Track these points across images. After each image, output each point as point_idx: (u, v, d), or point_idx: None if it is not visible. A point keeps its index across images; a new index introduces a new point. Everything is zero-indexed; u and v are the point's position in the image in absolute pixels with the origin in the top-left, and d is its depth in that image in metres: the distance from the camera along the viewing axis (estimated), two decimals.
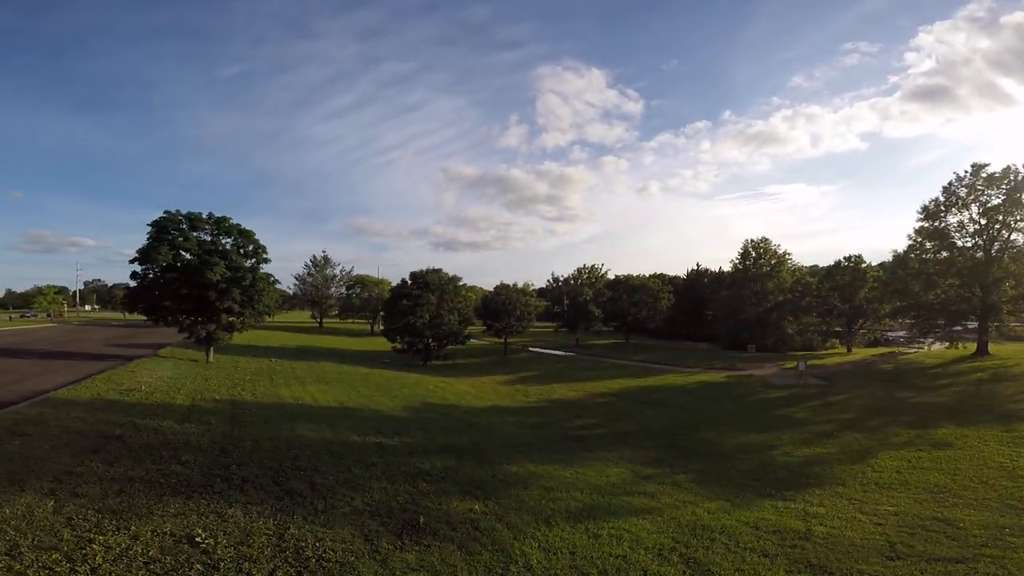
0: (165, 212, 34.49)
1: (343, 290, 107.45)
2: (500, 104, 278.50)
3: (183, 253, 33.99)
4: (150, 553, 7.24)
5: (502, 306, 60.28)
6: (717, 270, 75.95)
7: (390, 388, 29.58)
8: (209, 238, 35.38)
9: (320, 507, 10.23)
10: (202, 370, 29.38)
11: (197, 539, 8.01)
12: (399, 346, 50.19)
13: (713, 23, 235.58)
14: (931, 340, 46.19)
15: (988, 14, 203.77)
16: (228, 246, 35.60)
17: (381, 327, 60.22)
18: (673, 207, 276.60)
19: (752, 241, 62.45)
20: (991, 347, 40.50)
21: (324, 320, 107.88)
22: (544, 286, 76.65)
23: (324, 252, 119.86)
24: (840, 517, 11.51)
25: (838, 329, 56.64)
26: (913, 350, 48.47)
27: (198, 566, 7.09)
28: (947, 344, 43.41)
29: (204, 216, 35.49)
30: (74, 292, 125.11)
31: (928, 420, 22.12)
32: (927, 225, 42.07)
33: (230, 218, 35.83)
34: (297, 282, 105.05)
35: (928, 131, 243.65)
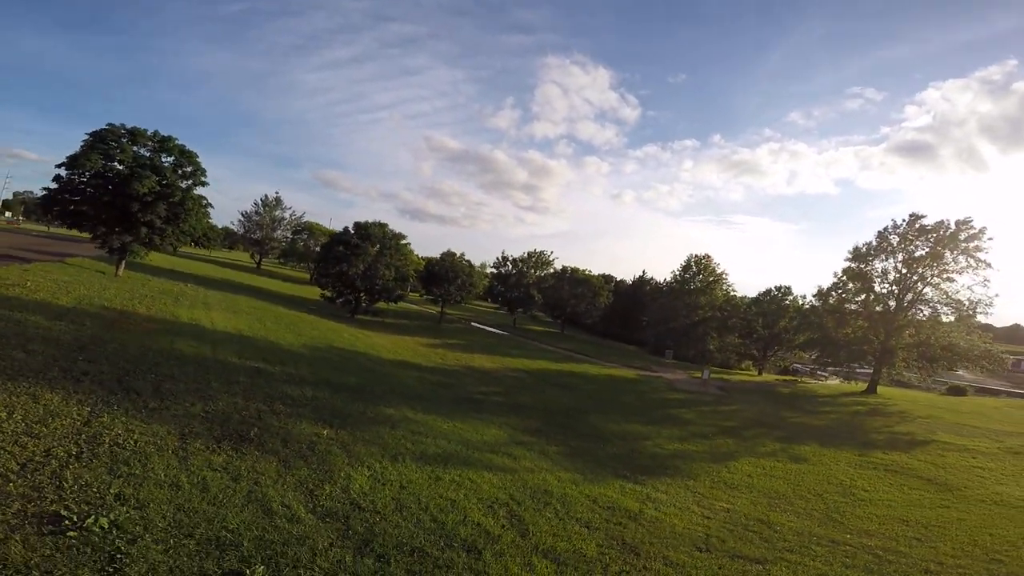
0: (108, 124, 32.38)
1: (289, 234, 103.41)
2: (499, 84, 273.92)
3: (116, 164, 31.97)
4: None
5: (444, 272, 59.90)
6: (662, 281, 78.60)
7: (299, 327, 28.94)
8: (147, 154, 33.45)
9: (152, 406, 9.96)
10: (104, 281, 27.75)
11: None
12: (327, 293, 48.97)
13: (734, 46, 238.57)
14: (830, 374, 49.48)
15: (1004, 78, 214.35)
16: (167, 164, 33.81)
17: None
18: (643, 219, 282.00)
19: (695, 256, 64.85)
20: (880, 389, 43.79)
21: (264, 263, 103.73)
22: (493, 264, 76.69)
23: (277, 193, 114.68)
24: (675, 506, 12.19)
25: (754, 352, 59.77)
26: (813, 381, 51.88)
27: None
28: (843, 380, 46.68)
29: (148, 133, 33.48)
30: (2, 202, 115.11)
31: (797, 437, 23.79)
32: (853, 266, 44.72)
33: (175, 138, 33.91)
34: (243, 219, 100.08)
35: (898, 185, 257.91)
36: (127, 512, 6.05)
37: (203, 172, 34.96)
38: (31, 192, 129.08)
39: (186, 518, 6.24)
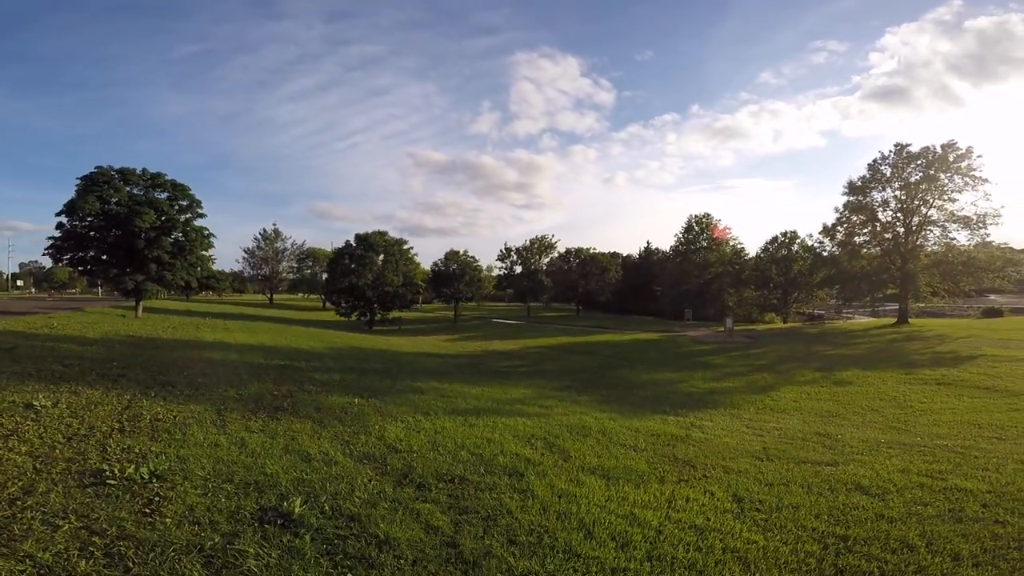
0: (96, 167, 32.89)
1: (294, 264, 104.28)
2: (472, 90, 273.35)
3: (112, 206, 32.51)
4: None
5: (451, 271, 60.08)
6: (668, 250, 77.94)
7: (320, 338, 29.13)
8: (141, 192, 33.98)
9: (188, 394, 10.16)
10: (126, 320, 28.15)
11: (35, 403, 8.20)
12: (341, 308, 49.33)
13: (690, 15, 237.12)
14: (855, 312, 48.82)
15: (953, 18, 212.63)
16: (162, 199, 34.33)
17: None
18: (638, 198, 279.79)
19: (695, 216, 64.39)
20: (913, 321, 42.99)
21: (275, 297, 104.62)
22: (497, 257, 76.67)
23: (275, 225, 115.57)
24: (723, 429, 11.76)
25: (774, 301, 59.14)
26: (840, 321, 51.16)
27: (27, 422, 7.27)
28: (870, 316, 46.02)
29: (137, 171, 34.00)
30: (8, 276, 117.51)
31: (835, 365, 23.36)
32: (853, 199, 44.14)
33: (165, 174, 34.55)
34: (246, 256, 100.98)
35: (881, 130, 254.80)
36: (167, 464, 6.09)
37: (199, 204, 35.47)
38: (36, 261, 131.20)
39: (224, 468, 6.24)
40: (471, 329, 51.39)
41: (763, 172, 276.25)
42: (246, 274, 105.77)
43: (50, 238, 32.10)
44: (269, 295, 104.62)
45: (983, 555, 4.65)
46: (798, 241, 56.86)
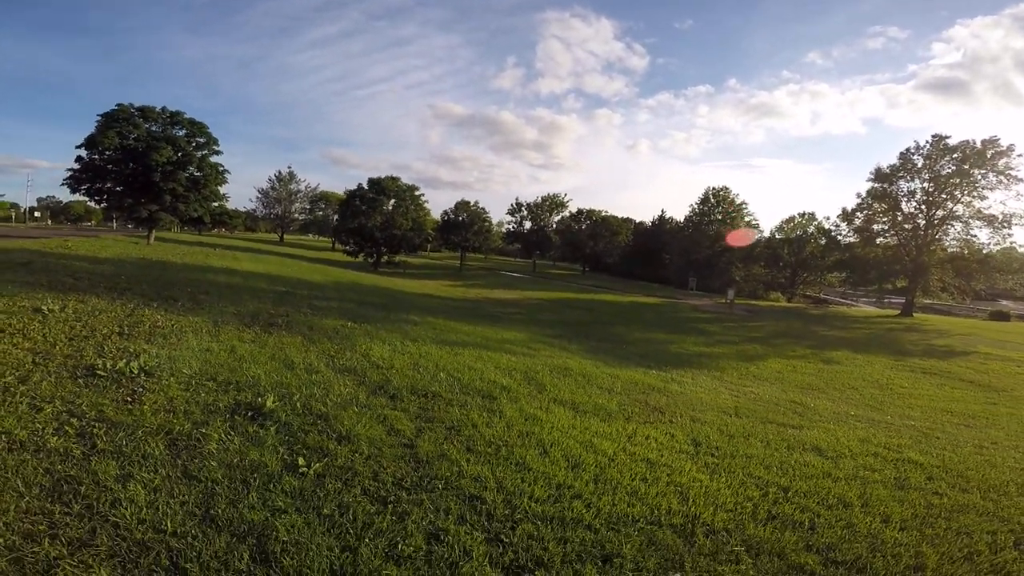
0: (117, 105, 33.06)
1: (307, 206, 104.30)
2: (497, 45, 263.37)
3: (131, 140, 32.83)
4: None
5: (460, 220, 59.99)
6: (682, 220, 76.86)
7: (325, 272, 29.55)
8: (160, 129, 34.20)
9: (188, 307, 10.53)
10: (138, 246, 28.66)
11: (43, 308, 8.60)
12: (348, 248, 49.75)
13: None
14: (859, 299, 48.49)
15: None
16: (179, 136, 34.60)
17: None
18: (659, 168, 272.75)
19: (713, 188, 63.27)
20: (918, 315, 42.61)
21: (286, 237, 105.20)
22: (508, 211, 76.10)
23: (290, 167, 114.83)
24: (701, 387, 11.98)
25: (782, 280, 58.77)
26: (844, 306, 50.91)
27: (34, 322, 7.70)
28: (875, 306, 45.73)
29: (157, 109, 34.16)
30: (26, 209, 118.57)
31: (828, 345, 23.53)
32: (878, 187, 43.03)
33: (184, 112, 34.84)
34: (260, 196, 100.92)
35: (930, 123, 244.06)
36: (156, 362, 6.42)
37: (215, 141, 35.85)
38: (53, 196, 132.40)
39: (211, 369, 6.58)
40: (475, 278, 51.76)
41: (794, 154, 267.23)
42: (259, 213, 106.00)
43: (69, 170, 32.62)
44: (280, 234, 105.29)
45: (912, 520, 4.83)
46: (815, 223, 56.03)
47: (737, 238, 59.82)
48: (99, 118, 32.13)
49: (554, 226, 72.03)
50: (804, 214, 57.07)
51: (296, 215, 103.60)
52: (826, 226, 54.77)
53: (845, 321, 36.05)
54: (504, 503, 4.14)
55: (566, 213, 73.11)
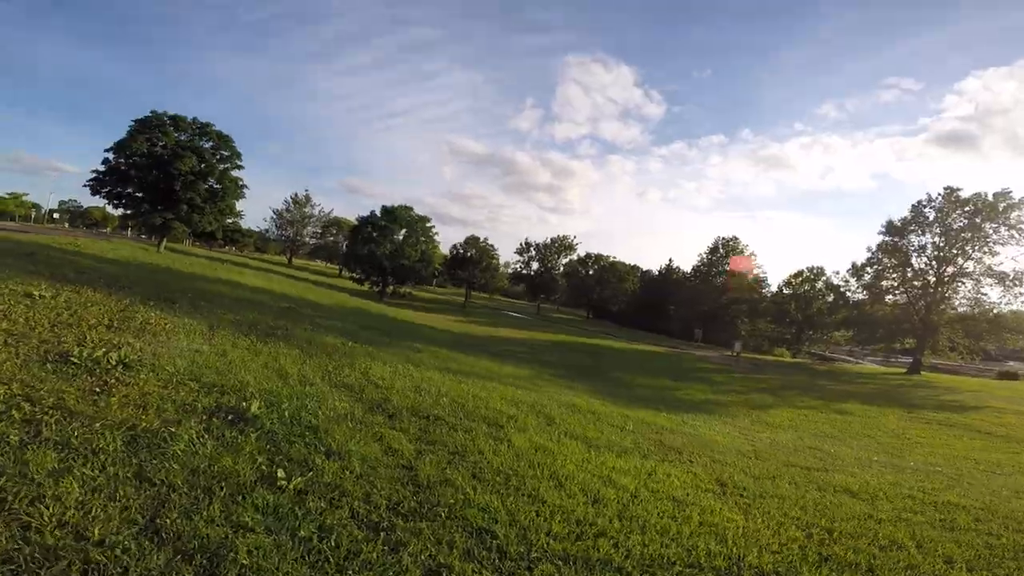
0: (152, 111, 33.85)
1: (318, 230, 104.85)
2: (519, 86, 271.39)
3: (159, 148, 33.36)
4: None
5: (469, 256, 59.94)
6: (689, 270, 76.61)
7: (331, 295, 29.13)
8: (188, 139, 34.79)
9: (186, 310, 10.06)
10: (147, 252, 28.59)
11: (35, 294, 8.23)
12: (356, 275, 49.58)
13: (761, 37, 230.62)
14: (864, 356, 47.52)
15: None
16: (205, 147, 35.12)
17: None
18: (668, 217, 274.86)
19: (723, 238, 63.22)
20: (925, 374, 41.50)
21: (294, 260, 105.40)
22: (516, 250, 75.89)
23: (306, 191, 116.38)
24: (715, 430, 11.48)
25: (787, 337, 57.93)
26: (851, 363, 49.90)
27: (20, 306, 7.33)
28: (881, 364, 44.76)
29: (189, 119, 34.88)
30: (46, 210, 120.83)
31: (837, 397, 22.67)
32: (888, 240, 42.73)
33: (213, 124, 35.46)
34: (275, 216, 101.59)
35: (935, 175, 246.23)
36: (139, 356, 5.91)
37: (238, 155, 36.25)
38: (75, 201, 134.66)
39: (196, 369, 6.05)
40: (479, 315, 51.23)
41: (804, 207, 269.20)
42: (271, 235, 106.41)
43: (94, 171, 32.96)
44: (289, 257, 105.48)
45: (977, 561, 4.41)
46: (823, 278, 55.52)
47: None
48: (132, 123, 32.74)
49: (561, 269, 71.75)
50: (812, 269, 56.78)
51: (307, 239, 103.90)
52: (835, 281, 54.22)
53: (851, 376, 35.10)
54: (518, 538, 3.54)
55: (574, 256, 72.92)
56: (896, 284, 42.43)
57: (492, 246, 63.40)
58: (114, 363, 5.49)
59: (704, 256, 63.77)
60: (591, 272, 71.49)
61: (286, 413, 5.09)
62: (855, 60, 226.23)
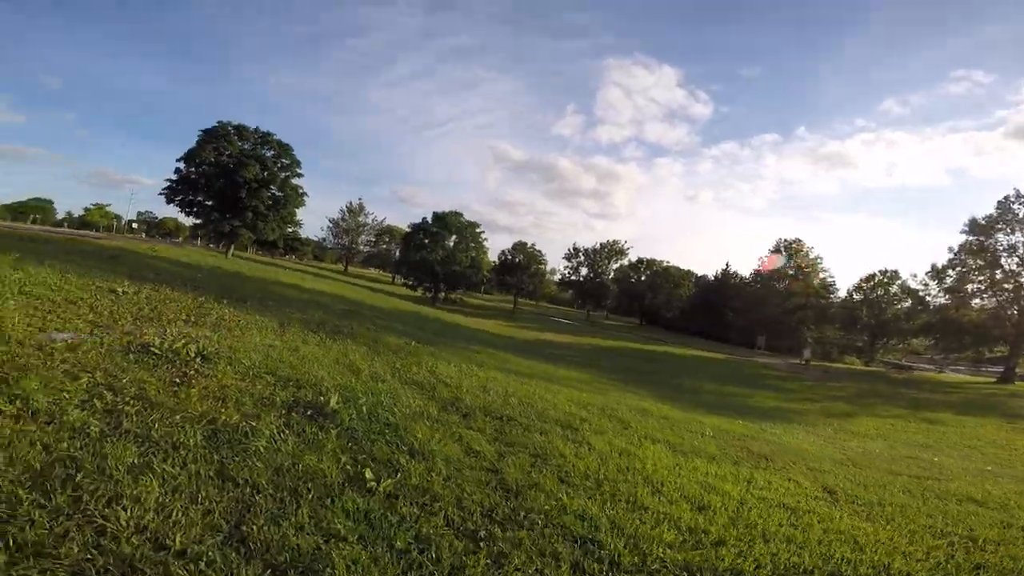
0: (218, 122, 35.85)
1: (372, 238, 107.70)
2: (558, 91, 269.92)
3: (224, 157, 35.23)
4: (74, 290, 7.90)
5: (518, 262, 59.77)
6: (748, 275, 73.21)
7: (387, 300, 29.57)
8: (251, 148, 36.57)
9: (256, 308, 10.30)
10: (217, 258, 30.06)
11: (118, 290, 8.65)
12: (409, 281, 50.44)
13: (811, 32, 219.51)
14: (945, 366, 43.79)
15: None
16: (267, 156, 36.80)
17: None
18: (720, 219, 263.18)
19: (785, 240, 60.11)
20: (1020, 384, 37.83)
21: (349, 268, 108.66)
22: (564, 256, 74.92)
23: (360, 199, 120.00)
24: (798, 438, 10.68)
25: (859, 344, 54.28)
26: (932, 371, 46.18)
27: (105, 300, 7.69)
28: (967, 373, 41.13)
29: (251, 128, 36.66)
30: (126, 221, 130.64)
31: (924, 406, 20.87)
32: (973, 240, 39.30)
33: (274, 133, 37.24)
34: (331, 225, 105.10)
35: (1021, 172, 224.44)
36: (216, 348, 5.91)
37: (298, 164, 37.75)
38: (150, 212, 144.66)
39: (271, 363, 6.00)
40: (528, 321, 50.91)
41: (868, 207, 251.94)
42: (327, 244, 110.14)
43: (167, 180, 35.11)
44: (345, 265, 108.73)
45: None
46: (898, 282, 51.71)
47: (772, 262, 56.32)
48: (200, 133, 34.74)
49: (611, 274, 70.13)
50: (886, 272, 52.90)
51: (362, 247, 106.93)
52: (912, 284, 50.47)
53: (935, 385, 32.31)
54: (629, 548, 3.16)
55: (625, 262, 71.00)
56: (984, 287, 38.95)
57: (540, 252, 63.00)
58: (193, 355, 5.51)
59: (764, 259, 60.97)
60: (643, 277, 69.60)
61: (363, 409, 4.90)
62: (917, 54, 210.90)
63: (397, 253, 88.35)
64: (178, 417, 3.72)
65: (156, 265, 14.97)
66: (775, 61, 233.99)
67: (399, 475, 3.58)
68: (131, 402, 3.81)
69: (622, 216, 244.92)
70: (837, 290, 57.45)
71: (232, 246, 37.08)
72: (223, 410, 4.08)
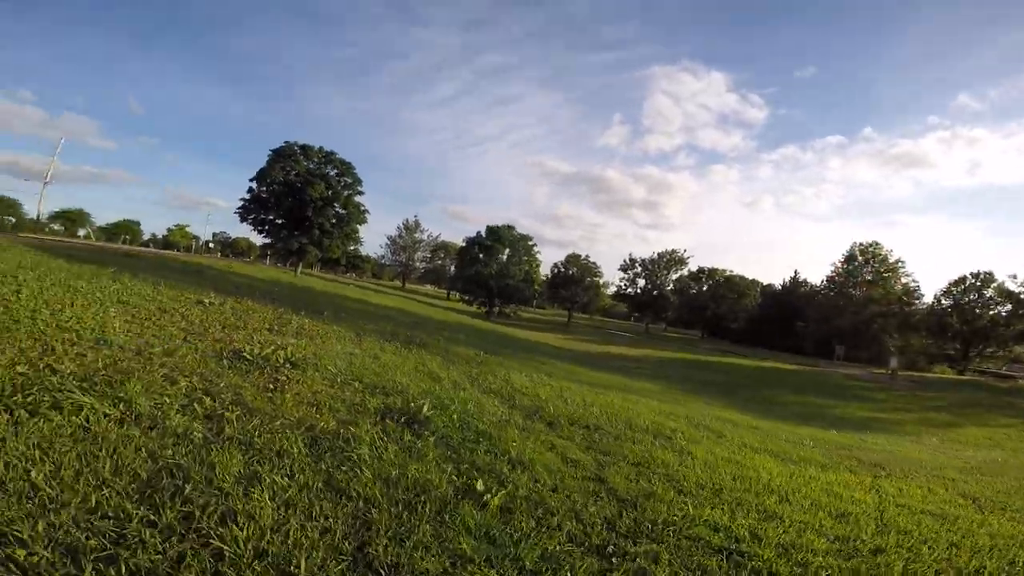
0: (285, 142, 37.97)
1: (428, 254, 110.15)
2: (601, 102, 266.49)
3: (292, 176, 37.24)
4: (166, 301, 8.42)
5: (571, 275, 59.04)
6: (819, 283, 68.68)
7: (446, 314, 29.96)
8: (316, 167, 38.41)
9: (331, 318, 10.66)
10: (287, 274, 31.67)
11: (205, 301, 9.20)
12: (466, 297, 50.91)
13: (864, 30, 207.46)
14: None
15: None
16: (331, 174, 38.52)
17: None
18: (783, 226, 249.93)
19: (860, 244, 56.17)
20: None
21: (407, 284, 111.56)
22: (620, 267, 72.69)
23: (415, 216, 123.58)
24: (904, 448, 9.85)
25: (951, 353, 49.73)
26: None
27: (194, 310, 8.09)
28: None
29: (316, 148, 38.56)
30: (203, 241, 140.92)
31: None
32: None
33: (336, 152, 38.87)
34: (389, 243, 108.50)
35: None
36: (303, 355, 5.96)
37: (359, 182, 39.13)
38: (224, 232, 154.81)
39: (356, 370, 6.00)
40: (584, 334, 50.10)
41: (948, 208, 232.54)
42: (385, 261, 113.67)
43: (241, 199, 37.29)
44: (402, 281, 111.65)
45: None
46: (994, 285, 47.16)
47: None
48: (270, 152, 36.74)
49: (671, 286, 67.61)
50: (978, 274, 48.33)
51: (418, 263, 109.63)
52: (1011, 287, 45.95)
53: None
54: (782, 558, 2.82)
55: (684, 271, 68.19)
56: None
57: (594, 263, 61.78)
58: (282, 361, 5.57)
59: (839, 265, 57.10)
60: (704, 288, 66.87)
61: (454, 417, 4.73)
62: (985, 45, 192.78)
63: (452, 269, 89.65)
64: (277, 423, 3.65)
65: (235, 280, 15.82)
66: (829, 61, 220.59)
67: (508, 486, 3.34)
68: (230, 407, 3.78)
69: (675, 226, 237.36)
70: (922, 295, 53.05)
71: (300, 263, 38.76)
72: (319, 416, 4.01)
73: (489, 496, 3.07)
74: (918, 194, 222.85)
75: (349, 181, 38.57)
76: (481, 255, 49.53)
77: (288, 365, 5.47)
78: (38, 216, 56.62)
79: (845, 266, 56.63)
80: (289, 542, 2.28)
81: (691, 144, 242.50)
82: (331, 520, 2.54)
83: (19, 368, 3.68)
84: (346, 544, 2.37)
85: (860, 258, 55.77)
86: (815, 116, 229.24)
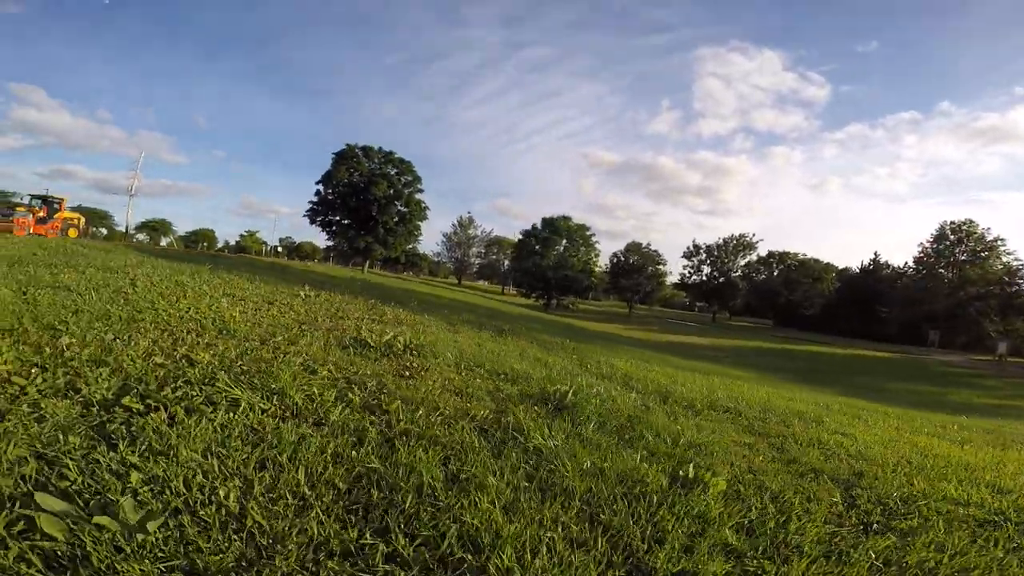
0: (346, 144, 39.49)
1: (481, 250, 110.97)
2: (647, 89, 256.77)
3: (355, 176, 38.64)
4: (267, 294, 8.73)
5: (632, 264, 57.52)
6: (904, 265, 63.15)
7: (509, 307, 29.98)
8: (377, 167, 39.67)
9: (419, 309, 10.81)
10: (356, 272, 32.75)
11: (301, 294, 9.55)
12: (523, 290, 50.90)
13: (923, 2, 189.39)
14: None
15: None
16: (392, 174, 39.68)
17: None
18: (853, 208, 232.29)
19: (951, 223, 51.48)
20: None
21: (463, 280, 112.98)
22: (683, 254, 69.69)
23: (469, 213, 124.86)
24: None
25: None
26: None
27: (295, 301, 8.33)
28: None
29: (376, 148, 39.81)
30: (271, 246, 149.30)
31: None
32: None
33: (395, 152, 40.08)
34: (445, 239, 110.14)
35: None
36: (417, 342, 5.85)
37: (419, 179, 40.07)
38: (289, 237, 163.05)
39: (470, 358, 5.85)
40: (649, 324, 48.76)
41: None
42: (442, 258, 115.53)
43: (310, 202, 39.06)
44: (459, 277, 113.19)
45: None
46: None
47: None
48: (333, 155, 38.25)
49: (739, 272, 64.12)
50: None
51: (473, 259, 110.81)
52: None
53: None
54: None
55: (753, 257, 64.48)
56: None
57: (656, 252, 59.67)
58: (403, 348, 5.46)
59: (928, 246, 52.58)
60: (775, 273, 63.31)
61: (594, 401, 4.42)
62: None
63: (506, 263, 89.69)
64: (437, 416, 3.35)
65: (315, 277, 16.45)
66: (892, 33, 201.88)
67: (710, 471, 2.94)
68: (383, 398, 3.52)
69: (733, 211, 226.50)
70: None
71: (367, 262, 40.14)
72: (469, 405, 3.77)
73: (711, 479, 2.74)
74: (1010, 170, 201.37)
75: (409, 179, 39.58)
76: (538, 247, 49.26)
77: (409, 352, 5.36)
78: (127, 227, 61.32)
79: (935, 246, 52.19)
80: (555, 565, 1.84)
81: (747, 127, 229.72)
82: (585, 535, 2.10)
83: (156, 359, 3.55)
84: (616, 556, 1.98)
85: (952, 237, 51.24)
86: (883, 92, 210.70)
